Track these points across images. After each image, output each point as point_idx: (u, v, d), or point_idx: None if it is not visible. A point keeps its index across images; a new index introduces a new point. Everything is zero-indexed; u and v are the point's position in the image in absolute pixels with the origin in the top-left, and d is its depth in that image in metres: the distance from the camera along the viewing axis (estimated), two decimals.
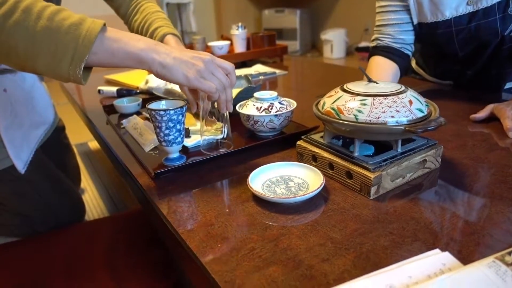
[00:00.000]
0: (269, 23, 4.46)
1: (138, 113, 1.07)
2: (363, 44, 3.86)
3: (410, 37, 1.05)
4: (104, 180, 1.66)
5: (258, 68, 1.62)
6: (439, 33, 1.00)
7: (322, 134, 0.71)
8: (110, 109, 1.12)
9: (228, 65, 0.66)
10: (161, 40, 0.96)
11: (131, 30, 1.08)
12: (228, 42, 1.71)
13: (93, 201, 1.47)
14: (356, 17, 4.12)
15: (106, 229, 1.20)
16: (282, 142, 0.81)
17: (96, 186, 1.60)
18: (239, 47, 1.75)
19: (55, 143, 1.21)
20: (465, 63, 1.09)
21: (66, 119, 2.67)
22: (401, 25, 1.03)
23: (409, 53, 1.06)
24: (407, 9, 1.01)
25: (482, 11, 0.93)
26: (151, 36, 0.98)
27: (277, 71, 1.55)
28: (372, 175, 0.57)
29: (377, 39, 1.07)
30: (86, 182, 1.63)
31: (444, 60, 1.16)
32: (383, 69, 1.02)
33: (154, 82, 1.24)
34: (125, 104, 1.09)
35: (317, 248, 0.49)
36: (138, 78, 1.50)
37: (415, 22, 1.02)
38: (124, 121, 0.97)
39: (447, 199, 0.58)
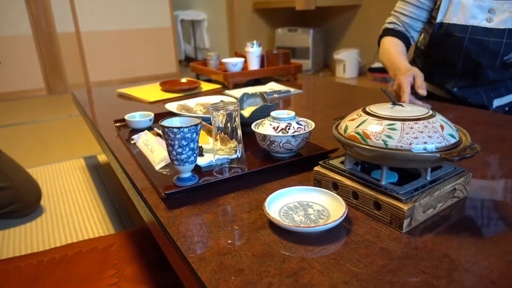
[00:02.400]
0: (282, 41, 4.48)
1: (149, 128, 1.04)
2: (376, 64, 3.83)
3: (416, 35, 1.26)
4: (111, 195, 1.62)
5: (272, 86, 1.59)
6: (455, 36, 1.12)
7: (341, 159, 0.67)
8: (121, 124, 1.10)
9: None
10: None
11: None
12: (242, 59, 1.70)
13: (98, 216, 1.44)
14: (369, 38, 4.11)
15: (111, 247, 1.16)
16: (299, 164, 0.77)
17: (102, 201, 1.57)
18: (253, 65, 1.73)
19: None
20: (461, 79, 1.21)
21: (76, 131, 2.65)
22: (417, 21, 1.22)
23: (411, 44, 1.28)
24: (428, 10, 1.19)
25: (495, 30, 1.07)
26: None
27: (292, 89, 1.52)
28: (405, 207, 0.52)
29: (394, 23, 1.26)
30: (93, 196, 1.60)
31: (443, 74, 1.26)
32: (398, 44, 1.24)
33: None
34: (137, 119, 1.06)
35: (342, 286, 0.44)
36: (150, 93, 1.48)
37: (439, 20, 1.13)
38: (135, 136, 0.94)
39: (483, 235, 0.53)
